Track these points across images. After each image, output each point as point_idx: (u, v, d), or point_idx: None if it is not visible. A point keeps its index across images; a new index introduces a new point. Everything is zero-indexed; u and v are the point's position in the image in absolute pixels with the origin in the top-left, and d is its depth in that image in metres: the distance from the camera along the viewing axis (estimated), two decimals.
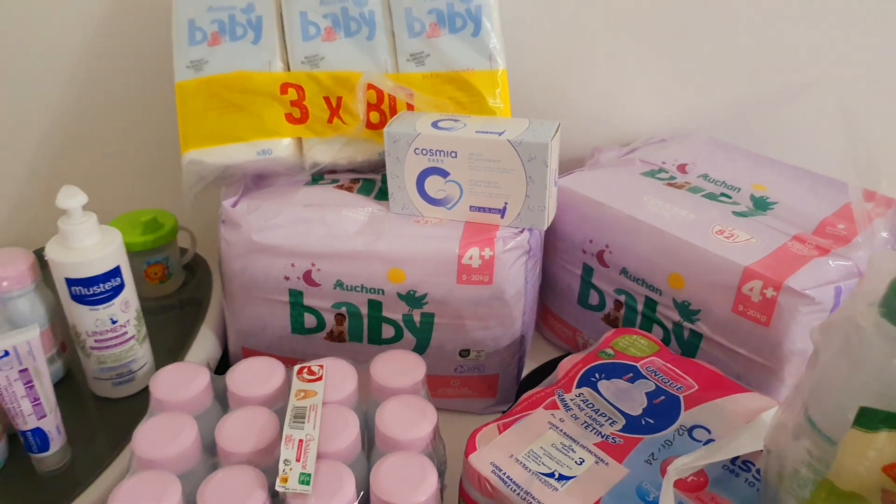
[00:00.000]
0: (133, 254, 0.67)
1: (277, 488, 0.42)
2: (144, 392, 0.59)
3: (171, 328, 0.67)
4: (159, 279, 0.71)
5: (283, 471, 0.43)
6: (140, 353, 0.58)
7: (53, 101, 0.77)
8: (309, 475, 0.43)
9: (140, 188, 0.80)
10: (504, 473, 0.44)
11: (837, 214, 0.62)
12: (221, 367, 0.67)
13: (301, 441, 0.45)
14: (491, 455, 0.45)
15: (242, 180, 0.64)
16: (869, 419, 0.33)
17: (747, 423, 0.46)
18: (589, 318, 0.68)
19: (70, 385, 0.60)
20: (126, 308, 0.56)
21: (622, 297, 0.64)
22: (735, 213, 0.62)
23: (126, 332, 0.56)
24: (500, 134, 0.56)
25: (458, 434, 0.50)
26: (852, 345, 0.34)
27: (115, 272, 0.54)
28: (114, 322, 0.55)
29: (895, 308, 0.33)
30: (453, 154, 0.57)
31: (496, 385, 0.64)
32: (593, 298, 0.67)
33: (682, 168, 0.70)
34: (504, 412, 0.64)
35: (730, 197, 0.65)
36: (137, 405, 0.58)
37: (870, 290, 0.34)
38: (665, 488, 0.40)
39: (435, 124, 0.58)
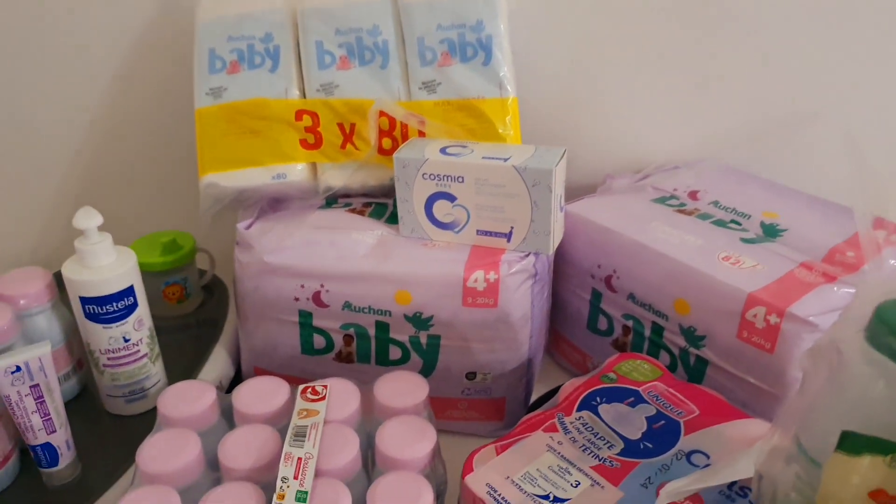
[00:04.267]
0: (152, 274, 0.69)
1: None
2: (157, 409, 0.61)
3: (186, 347, 0.69)
4: (177, 299, 0.73)
5: (281, 488, 0.44)
6: (153, 371, 0.60)
7: (75, 123, 0.80)
8: (306, 493, 0.43)
9: (160, 210, 0.83)
10: (499, 494, 0.44)
11: (848, 242, 0.61)
12: (234, 386, 0.68)
13: (300, 459, 0.46)
14: (487, 476, 0.45)
15: (259, 203, 0.66)
16: (852, 443, 0.32)
17: (746, 450, 0.46)
18: (598, 342, 0.69)
19: (85, 402, 0.62)
20: (139, 326, 0.58)
21: (630, 323, 0.64)
22: (743, 239, 0.61)
23: (139, 351, 0.58)
24: (505, 160, 0.57)
25: (462, 456, 0.50)
26: (835, 369, 0.34)
27: (129, 291, 0.56)
28: (126, 340, 0.57)
29: (879, 333, 0.33)
30: (460, 179, 0.58)
31: (503, 408, 0.64)
32: (602, 323, 0.67)
33: (693, 195, 0.70)
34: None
35: (739, 224, 0.65)
36: (149, 422, 0.59)
37: (857, 316, 0.34)
38: None
39: (443, 150, 0.60)
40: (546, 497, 0.44)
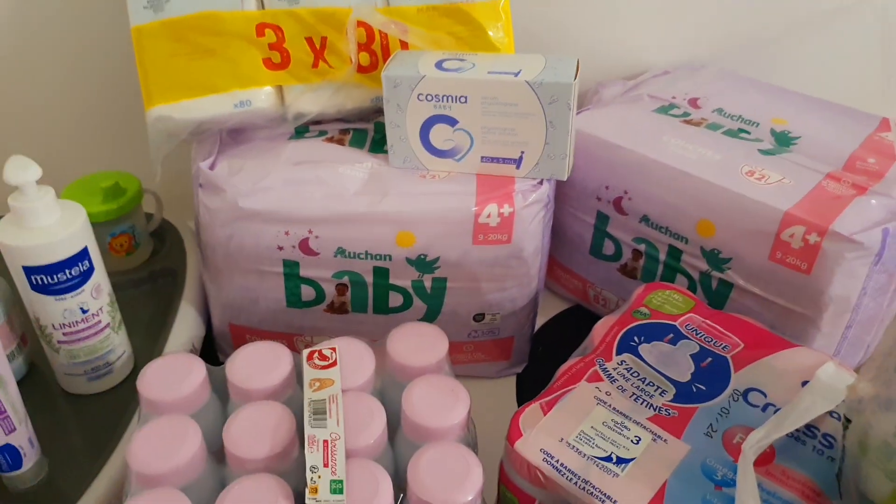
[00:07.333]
0: (94, 225, 0.58)
1: (308, 502, 0.37)
2: (125, 385, 0.53)
3: (145, 306, 0.60)
4: (126, 251, 0.63)
5: (312, 479, 0.37)
6: (117, 341, 0.51)
7: None
8: (341, 482, 0.38)
9: (91, 148, 0.70)
10: (556, 461, 0.40)
11: (864, 147, 0.58)
12: (206, 345, 0.60)
13: (326, 441, 0.39)
14: (539, 440, 0.41)
15: (216, 136, 0.56)
16: None
17: (805, 384, 0.43)
18: (602, 268, 0.64)
19: (35, 383, 0.53)
20: (98, 294, 0.48)
21: (642, 247, 0.60)
22: (761, 150, 0.57)
23: (100, 321, 0.49)
24: (516, 74, 0.49)
25: (476, 403, 0.45)
26: None
27: (83, 254, 0.46)
28: (84, 311, 0.48)
29: None
30: (463, 99, 0.50)
31: (511, 348, 0.60)
32: (608, 248, 0.63)
33: (693, 102, 0.65)
34: (518, 373, 0.61)
35: (749, 133, 0.60)
36: (118, 400, 0.51)
37: None
38: (742, 470, 0.36)
39: (439, 65, 0.51)
40: (608, 458, 0.40)
